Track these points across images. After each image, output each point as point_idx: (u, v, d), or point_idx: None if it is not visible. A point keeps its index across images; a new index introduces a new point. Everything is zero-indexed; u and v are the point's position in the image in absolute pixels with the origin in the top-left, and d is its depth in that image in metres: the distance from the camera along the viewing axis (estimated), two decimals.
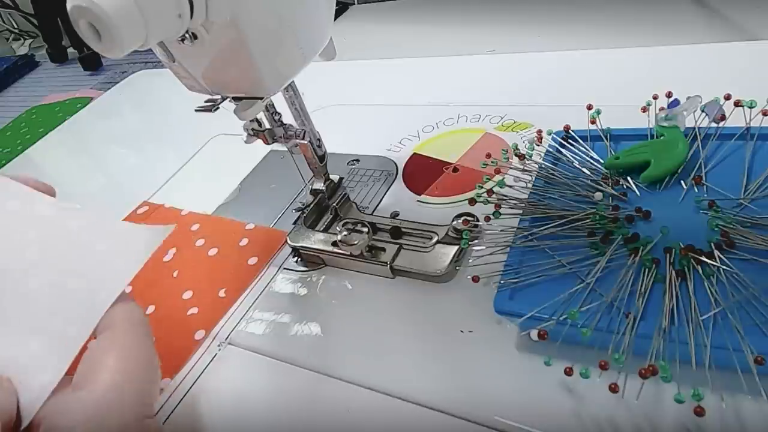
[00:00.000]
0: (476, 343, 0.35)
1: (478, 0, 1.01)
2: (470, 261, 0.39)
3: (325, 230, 0.46)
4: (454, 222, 0.41)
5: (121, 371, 0.26)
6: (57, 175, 0.76)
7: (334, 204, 0.47)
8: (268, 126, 0.42)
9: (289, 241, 0.45)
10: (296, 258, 0.46)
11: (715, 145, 0.39)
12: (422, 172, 0.51)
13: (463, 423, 0.31)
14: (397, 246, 0.42)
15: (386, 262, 0.41)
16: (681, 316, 0.29)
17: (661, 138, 0.39)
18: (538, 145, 0.43)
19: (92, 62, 1.24)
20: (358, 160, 0.55)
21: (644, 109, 0.42)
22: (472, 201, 0.40)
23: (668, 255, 0.33)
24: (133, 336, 0.28)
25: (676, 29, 0.75)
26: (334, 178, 0.47)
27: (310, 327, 0.40)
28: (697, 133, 0.39)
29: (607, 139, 0.42)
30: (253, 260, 0.46)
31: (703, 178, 0.37)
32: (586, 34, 0.80)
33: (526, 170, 0.41)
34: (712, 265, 0.31)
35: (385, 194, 0.49)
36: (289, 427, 0.34)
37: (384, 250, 0.42)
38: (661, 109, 0.41)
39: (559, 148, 0.43)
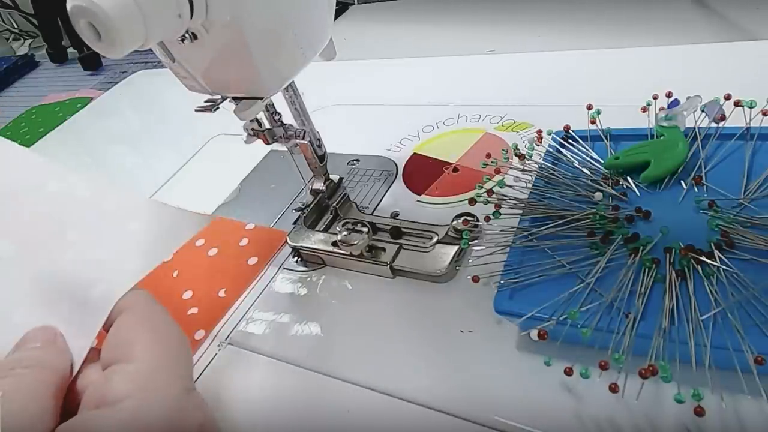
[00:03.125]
0: (476, 343, 0.35)
1: (478, 0, 1.01)
2: (470, 261, 0.39)
3: (325, 230, 0.46)
4: (454, 222, 0.41)
5: (159, 343, 0.27)
6: None
7: (334, 204, 0.47)
8: (268, 126, 0.42)
9: (289, 241, 0.45)
10: (296, 258, 0.46)
11: (715, 145, 0.39)
12: (422, 172, 0.51)
13: (463, 423, 0.31)
14: (397, 246, 0.42)
15: (386, 262, 0.41)
16: (681, 316, 0.29)
17: (661, 138, 0.39)
18: (538, 145, 0.43)
19: (92, 62, 1.24)
20: (358, 160, 0.55)
21: (644, 109, 0.42)
22: (472, 201, 0.40)
23: (668, 255, 0.33)
24: (156, 312, 0.29)
25: (676, 29, 0.75)
26: (334, 178, 0.47)
27: (310, 327, 0.40)
28: (697, 133, 0.39)
29: (607, 139, 0.42)
30: (253, 260, 0.47)
31: (703, 178, 0.37)
32: (586, 34, 0.80)
33: (526, 170, 0.41)
34: (712, 265, 0.31)
35: (385, 194, 0.49)
36: (289, 427, 0.34)
37: (384, 250, 0.42)
38: (661, 109, 0.41)
39: (559, 148, 0.43)
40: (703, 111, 0.39)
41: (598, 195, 0.37)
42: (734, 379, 0.26)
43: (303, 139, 0.42)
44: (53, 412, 0.25)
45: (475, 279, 0.36)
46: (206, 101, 0.36)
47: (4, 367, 0.26)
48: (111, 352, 0.27)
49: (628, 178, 0.39)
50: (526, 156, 0.42)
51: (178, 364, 0.27)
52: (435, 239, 0.41)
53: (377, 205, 0.48)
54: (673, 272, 0.31)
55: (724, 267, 0.31)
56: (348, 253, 0.42)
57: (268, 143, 0.42)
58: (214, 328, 0.42)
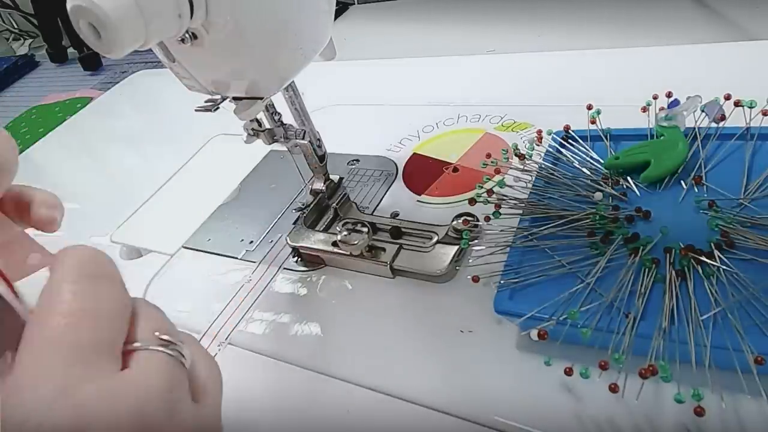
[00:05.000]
0: (476, 343, 0.35)
1: (478, 0, 1.01)
2: (470, 261, 0.39)
3: (325, 230, 0.46)
4: (454, 222, 0.41)
5: (47, 327, 0.20)
6: (57, 175, 0.76)
7: (334, 204, 0.47)
8: (268, 126, 0.42)
9: (289, 241, 0.45)
10: (296, 258, 0.46)
11: (715, 145, 0.39)
12: (422, 172, 0.51)
13: (463, 423, 0.31)
14: (397, 246, 0.42)
15: (386, 262, 0.41)
16: (681, 316, 0.29)
17: (661, 138, 0.39)
18: (538, 145, 0.43)
19: (92, 62, 1.25)
20: (358, 160, 0.55)
21: (644, 109, 0.42)
22: (472, 201, 0.40)
23: (668, 255, 0.33)
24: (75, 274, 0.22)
25: (676, 29, 0.75)
26: (334, 178, 0.47)
27: (310, 327, 0.40)
28: (697, 133, 0.39)
29: (607, 139, 0.42)
30: None
31: (703, 178, 0.37)
32: (586, 34, 0.80)
33: (526, 170, 0.41)
34: (712, 265, 0.31)
35: (385, 194, 0.49)
36: (289, 427, 0.34)
37: (384, 250, 0.42)
38: (661, 109, 0.41)
39: (559, 148, 0.42)
40: (703, 111, 0.39)
41: (598, 195, 0.37)
42: (734, 379, 0.26)
43: (303, 139, 0.42)
44: None
45: (475, 279, 0.36)
46: (206, 101, 0.36)
47: None
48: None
49: (628, 178, 0.39)
50: (526, 156, 0.42)
51: (61, 354, 0.20)
52: (435, 239, 0.41)
53: (377, 205, 0.48)
54: (673, 272, 0.31)
55: (724, 267, 0.31)
56: (348, 253, 0.42)
57: (268, 143, 0.42)
58: (214, 328, 0.42)
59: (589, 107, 0.42)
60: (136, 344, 0.22)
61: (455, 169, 0.50)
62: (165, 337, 0.23)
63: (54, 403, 0.19)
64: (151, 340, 0.22)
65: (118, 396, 0.20)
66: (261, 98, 0.35)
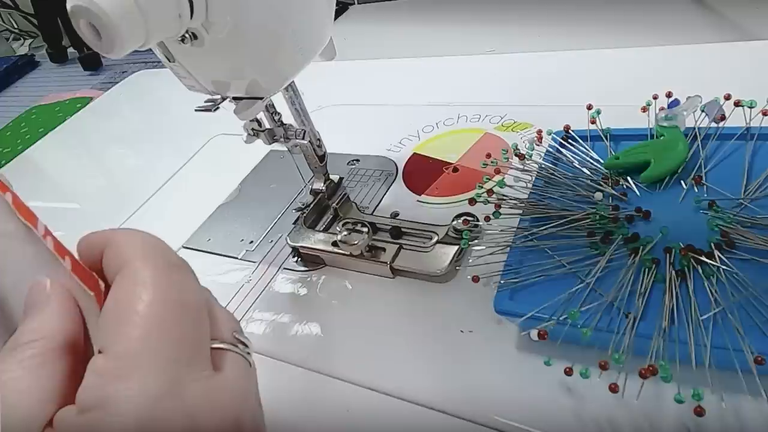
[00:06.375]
0: (476, 343, 0.35)
1: (478, 0, 1.01)
2: (470, 261, 0.39)
3: (325, 230, 0.46)
4: (454, 222, 0.41)
5: (149, 319, 0.19)
6: (57, 175, 0.76)
7: (334, 204, 0.47)
8: (268, 126, 0.42)
9: (289, 241, 0.45)
10: (296, 258, 0.46)
11: (715, 145, 0.39)
12: (422, 172, 0.51)
13: (463, 423, 0.31)
14: (397, 246, 0.42)
15: (386, 262, 0.41)
16: (681, 316, 0.29)
17: (661, 138, 0.39)
18: (538, 145, 0.43)
19: (92, 62, 1.25)
20: (358, 160, 0.55)
21: (644, 109, 0.42)
22: (472, 201, 0.40)
23: (668, 255, 0.33)
24: (161, 270, 0.20)
25: (676, 29, 0.75)
26: (334, 178, 0.47)
27: (310, 327, 0.40)
28: (697, 133, 0.39)
29: (607, 139, 0.42)
30: None
31: (703, 178, 0.37)
32: (586, 34, 0.80)
33: (526, 170, 0.41)
34: (712, 265, 0.31)
35: (385, 194, 0.49)
36: (288, 427, 0.34)
37: (384, 250, 0.42)
38: (661, 109, 0.41)
39: (559, 148, 0.43)
40: (703, 111, 0.39)
41: (598, 195, 0.37)
42: (734, 379, 0.26)
43: (303, 139, 0.42)
44: (49, 397, 0.19)
45: (475, 279, 0.36)
46: (206, 101, 0.36)
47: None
48: (102, 328, 0.20)
49: (628, 178, 0.39)
50: (526, 156, 0.42)
51: (168, 346, 0.19)
52: (435, 239, 0.41)
53: (377, 205, 0.48)
54: (673, 272, 0.31)
55: (724, 267, 0.31)
56: (348, 253, 0.42)
57: (268, 143, 0.42)
58: None
59: (589, 107, 0.42)
60: (223, 345, 0.21)
61: (455, 169, 0.50)
62: (242, 338, 0.23)
63: (163, 398, 0.18)
64: (232, 340, 0.22)
65: (221, 400, 0.20)
66: (261, 98, 0.35)
